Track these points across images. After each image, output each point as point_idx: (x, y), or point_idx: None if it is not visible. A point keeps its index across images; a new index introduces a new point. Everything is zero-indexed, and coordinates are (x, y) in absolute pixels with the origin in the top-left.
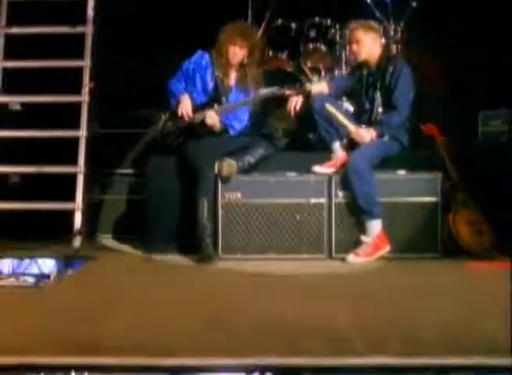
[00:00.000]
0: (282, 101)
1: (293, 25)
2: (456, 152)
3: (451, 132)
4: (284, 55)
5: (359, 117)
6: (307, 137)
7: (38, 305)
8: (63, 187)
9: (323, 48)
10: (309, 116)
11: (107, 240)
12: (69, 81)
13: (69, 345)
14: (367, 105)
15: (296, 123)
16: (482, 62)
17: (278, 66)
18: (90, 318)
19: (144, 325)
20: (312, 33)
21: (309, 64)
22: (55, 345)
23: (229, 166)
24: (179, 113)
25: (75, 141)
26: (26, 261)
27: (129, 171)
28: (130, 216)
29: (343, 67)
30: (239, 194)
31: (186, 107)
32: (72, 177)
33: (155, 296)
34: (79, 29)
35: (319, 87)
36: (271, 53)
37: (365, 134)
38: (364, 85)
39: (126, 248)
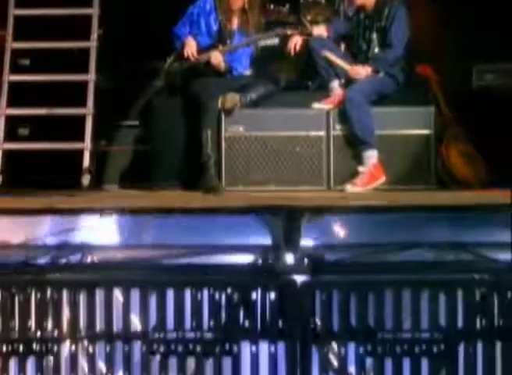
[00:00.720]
0: (283, 49)
1: None
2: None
3: (445, 85)
4: (285, 9)
5: (356, 58)
6: (306, 85)
7: None
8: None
9: (322, 0)
10: (308, 64)
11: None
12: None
13: None
14: (364, 47)
15: (296, 73)
16: (477, 16)
17: (278, 19)
18: None
19: None
20: None
21: (309, 17)
22: None
23: (232, 98)
24: (185, 54)
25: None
26: None
27: (135, 122)
28: (136, 167)
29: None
30: (241, 128)
31: (191, 48)
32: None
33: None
34: None
35: (318, 30)
36: (272, 7)
37: (361, 70)
38: (361, 28)
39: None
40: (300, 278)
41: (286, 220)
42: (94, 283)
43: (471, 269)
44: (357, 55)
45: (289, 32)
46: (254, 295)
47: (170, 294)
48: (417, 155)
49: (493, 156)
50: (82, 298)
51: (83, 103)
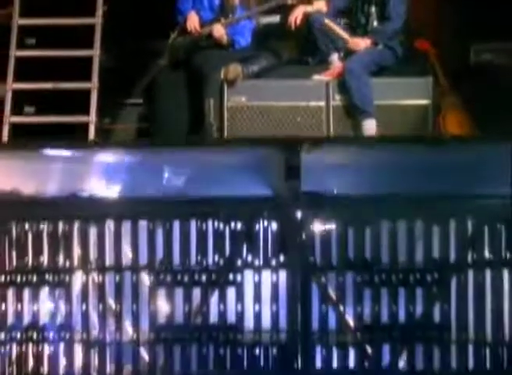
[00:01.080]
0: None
1: None
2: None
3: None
4: None
5: (354, 32)
6: (306, 61)
7: None
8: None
9: None
10: (308, 40)
11: None
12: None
13: None
14: (363, 20)
15: (297, 50)
16: None
17: None
18: None
19: None
20: None
21: None
22: None
23: (234, 69)
24: (188, 28)
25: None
26: None
27: (139, 101)
28: None
29: None
30: (243, 98)
31: (193, 22)
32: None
33: None
34: None
35: (318, 5)
36: None
37: (361, 42)
38: (359, 1)
39: None
40: (300, 211)
41: (286, 152)
42: (103, 215)
43: (463, 202)
44: (355, 29)
45: (289, 1)
46: (256, 228)
47: (176, 225)
48: (415, 125)
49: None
50: (92, 231)
51: (87, 81)
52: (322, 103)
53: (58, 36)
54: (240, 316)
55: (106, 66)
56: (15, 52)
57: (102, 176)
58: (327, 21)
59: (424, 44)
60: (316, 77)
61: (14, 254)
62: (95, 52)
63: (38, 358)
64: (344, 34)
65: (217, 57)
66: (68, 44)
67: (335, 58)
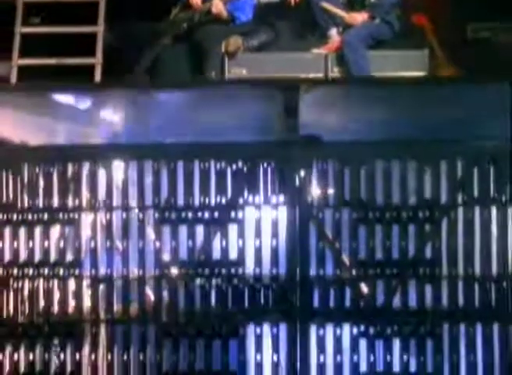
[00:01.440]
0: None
1: None
2: None
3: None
4: None
5: (352, 6)
6: (306, 36)
7: None
8: None
9: None
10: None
11: None
12: None
13: None
14: None
15: (296, 24)
16: None
17: None
18: None
19: None
20: None
21: None
22: None
23: (235, 41)
24: (190, 3)
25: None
26: None
27: None
28: None
29: None
30: (244, 71)
31: None
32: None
33: None
34: None
35: None
36: None
37: (358, 17)
38: None
39: None
40: (298, 152)
41: (285, 93)
42: (111, 157)
43: (454, 144)
44: (353, 4)
45: None
46: (256, 167)
47: (180, 166)
48: None
49: None
50: (100, 172)
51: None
52: (321, 75)
53: (63, 13)
54: (242, 252)
55: (110, 44)
56: (20, 29)
57: (108, 119)
58: (324, 4)
59: (422, 20)
60: (315, 51)
61: (26, 194)
62: (99, 29)
63: (49, 293)
64: (341, 13)
65: (217, 32)
66: (72, 22)
67: (333, 32)
